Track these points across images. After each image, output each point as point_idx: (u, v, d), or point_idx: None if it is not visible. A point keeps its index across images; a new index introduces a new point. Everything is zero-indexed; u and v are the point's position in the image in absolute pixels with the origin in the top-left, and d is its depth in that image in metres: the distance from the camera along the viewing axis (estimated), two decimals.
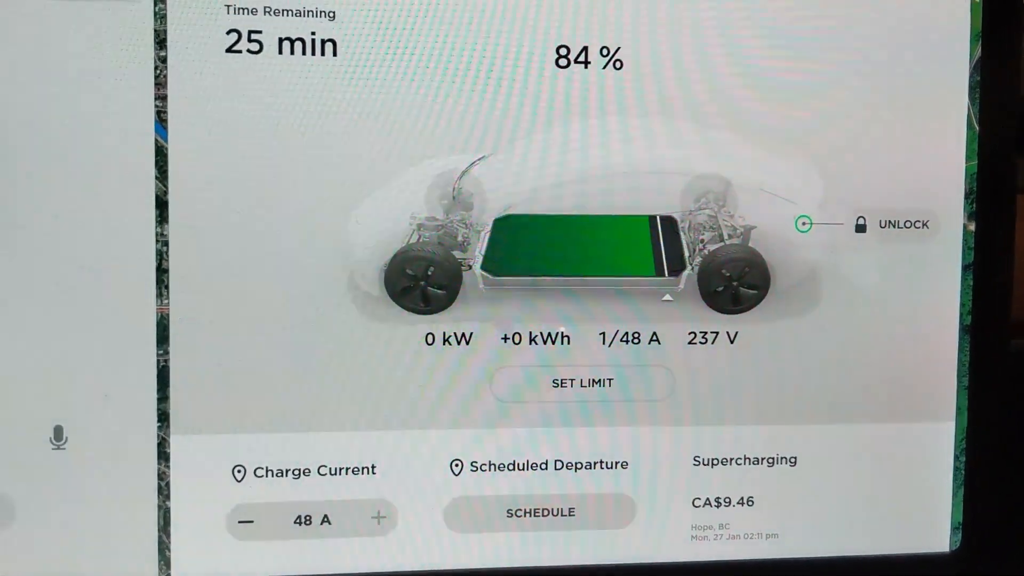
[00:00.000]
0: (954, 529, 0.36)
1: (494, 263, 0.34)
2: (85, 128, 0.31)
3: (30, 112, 0.31)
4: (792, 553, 0.36)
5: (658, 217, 0.34)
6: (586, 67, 0.33)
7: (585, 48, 0.33)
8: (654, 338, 0.34)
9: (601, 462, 0.35)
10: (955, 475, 0.36)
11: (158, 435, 0.32)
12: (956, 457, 0.36)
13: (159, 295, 0.32)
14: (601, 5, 0.33)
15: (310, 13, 0.32)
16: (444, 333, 0.34)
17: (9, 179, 0.31)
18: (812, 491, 0.36)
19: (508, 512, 0.35)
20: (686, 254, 0.34)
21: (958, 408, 0.36)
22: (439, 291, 0.33)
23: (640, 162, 0.34)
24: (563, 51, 0.33)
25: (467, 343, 0.34)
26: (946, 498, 0.36)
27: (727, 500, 0.36)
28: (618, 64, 0.33)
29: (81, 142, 0.31)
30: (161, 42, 0.31)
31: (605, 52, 0.33)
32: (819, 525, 0.36)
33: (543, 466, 0.35)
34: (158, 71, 0.31)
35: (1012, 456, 0.37)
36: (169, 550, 0.33)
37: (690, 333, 0.35)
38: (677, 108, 0.34)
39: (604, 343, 0.34)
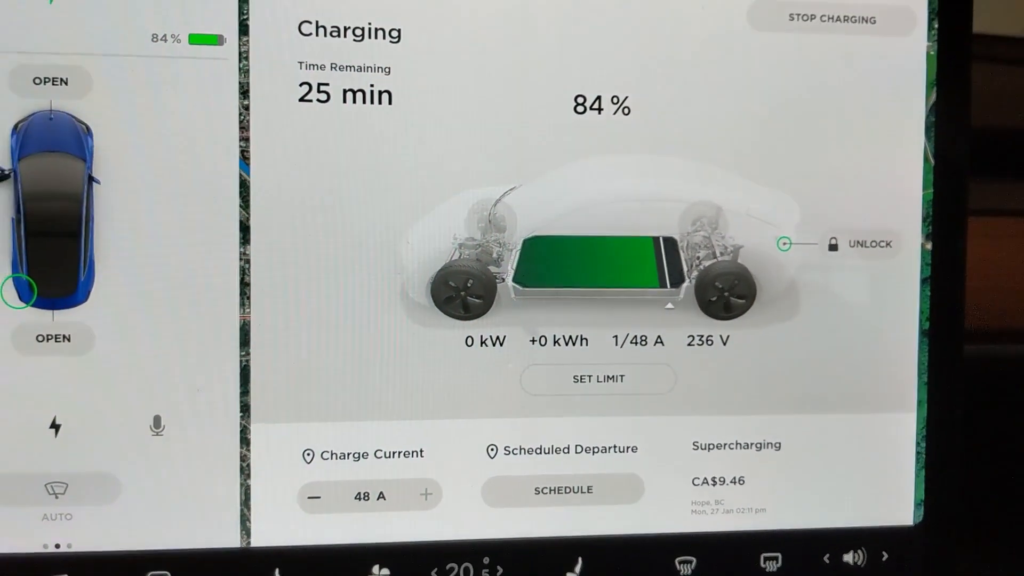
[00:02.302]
0: (917, 505, 0.40)
1: (524, 276, 0.37)
2: (181, 165, 0.35)
3: (137, 154, 0.35)
4: (777, 525, 0.39)
5: (661, 238, 0.38)
6: (599, 113, 0.37)
7: (599, 97, 0.37)
8: (659, 340, 0.38)
9: (615, 447, 0.38)
10: (917, 458, 0.40)
11: (240, 423, 0.36)
12: (918, 443, 0.39)
13: (242, 305, 0.36)
14: (611, 62, 0.37)
15: (369, 68, 0.36)
16: (481, 336, 0.37)
17: (118, 210, 0.35)
18: (794, 472, 0.39)
19: (536, 490, 0.38)
20: (685, 269, 0.38)
21: (919, 401, 0.39)
22: (477, 300, 0.37)
23: (645, 192, 0.38)
24: (580, 99, 0.37)
25: (501, 345, 0.37)
26: (910, 478, 0.40)
27: (722, 479, 0.39)
28: (626, 110, 0.37)
29: (177, 177, 0.35)
30: (244, 92, 0.35)
31: (615, 100, 0.37)
32: (800, 501, 0.39)
33: (565, 450, 0.38)
34: (242, 116, 0.35)
35: (966, 442, 0.40)
36: (249, 521, 0.36)
37: (689, 336, 0.38)
38: (676, 146, 0.37)
39: (617, 344, 0.38)
